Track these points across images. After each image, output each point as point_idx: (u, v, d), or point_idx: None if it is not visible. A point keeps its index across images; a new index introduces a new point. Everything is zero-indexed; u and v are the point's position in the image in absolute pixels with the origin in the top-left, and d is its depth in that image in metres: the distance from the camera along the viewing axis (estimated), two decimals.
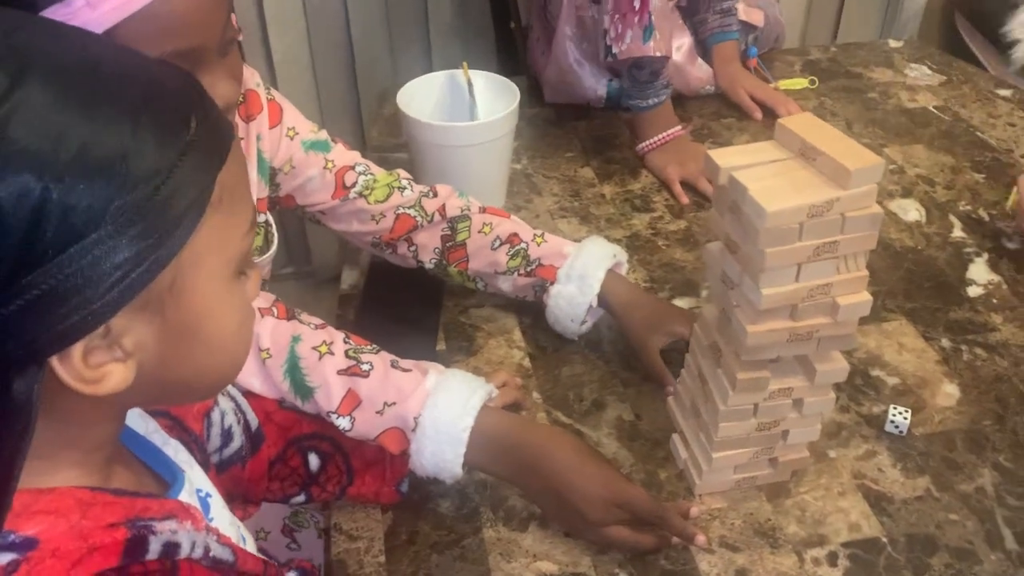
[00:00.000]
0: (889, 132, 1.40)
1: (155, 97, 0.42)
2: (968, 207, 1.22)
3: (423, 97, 1.19)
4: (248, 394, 0.75)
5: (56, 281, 0.37)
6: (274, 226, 0.93)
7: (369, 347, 0.80)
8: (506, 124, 1.12)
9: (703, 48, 1.47)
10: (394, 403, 0.76)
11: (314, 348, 0.78)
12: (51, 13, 0.58)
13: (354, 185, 0.96)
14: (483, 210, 1.00)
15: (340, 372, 0.77)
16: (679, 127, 1.30)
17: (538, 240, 0.98)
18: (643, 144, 1.30)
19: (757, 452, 0.80)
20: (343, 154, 0.97)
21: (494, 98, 1.19)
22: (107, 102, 0.40)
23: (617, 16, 1.18)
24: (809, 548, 0.77)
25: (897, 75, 1.58)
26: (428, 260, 1.00)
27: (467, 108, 1.19)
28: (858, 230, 0.67)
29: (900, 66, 1.62)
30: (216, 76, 0.68)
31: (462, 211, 0.98)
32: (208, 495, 0.58)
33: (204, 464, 0.62)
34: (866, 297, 0.71)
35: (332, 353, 0.78)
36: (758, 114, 1.43)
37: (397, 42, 1.90)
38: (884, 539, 0.77)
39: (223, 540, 0.51)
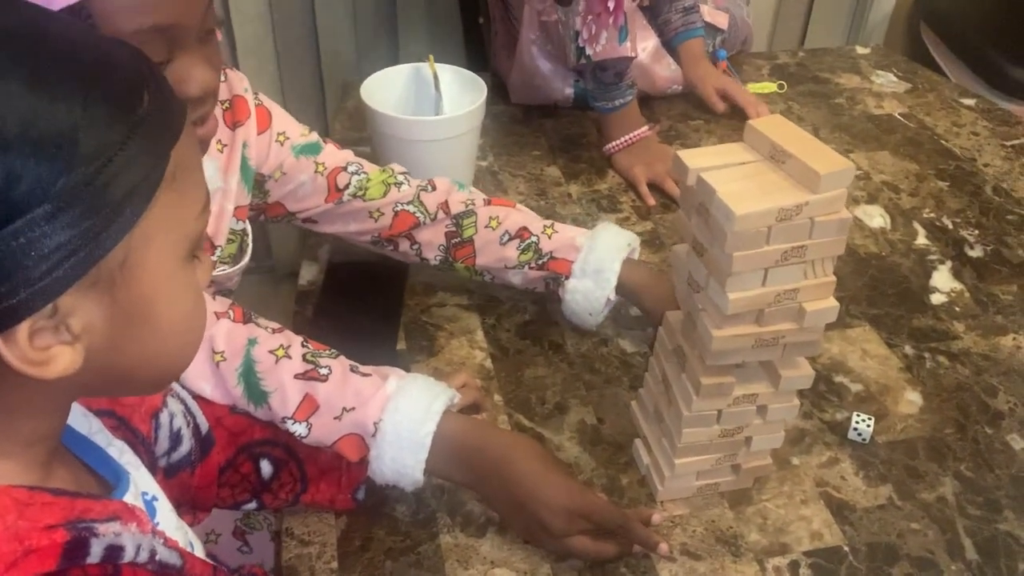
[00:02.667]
0: (855, 138, 1.40)
1: (106, 71, 0.41)
2: (932, 215, 1.22)
3: (387, 90, 1.16)
4: (198, 398, 0.72)
5: (0, 256, 0.36)
6: (250, 236, 0.90)
7: (328, 351, 0.78)
8: (472, 119, 1.10)
9: (669, 48, 1.46)
10: (353, 408, 0.73)
11: (271, 352, 0.75)
12: None
13: (347, 187, 0.94)
14: (488, 202, 0.98)
15: (297, 376, 0.74)
16: (645, 128, 1.29)
17: (548, 232, 0.96)
18: (610, 145, 1.29)
19: (720, 459, 0.79)
20: (334, 155, 0.94)
21: (460, 93, 1.17)
22: (56, 75, 0.38)
23: (590, 17, 1.16)
24: (771, 557, 0.76)
25: (864, 81, 1.59)
26: (433, 257, 0.98)
27: (432, 102, 1.17)
28: (826, 235, 0.66)
29: (867, 72, 1.62)
30: (194, 60, 0.66)
31: (466, 206, 0.96)
32: (154, 498, 0.55)
33: (151, 466, 0.60)
34: (833, 303, 0.70)
35: (289, 357, 0.75)
36: (720, 107, 1.42)
37: (363, 34, 1.87)
38: (846, 548, 0.77)
39: (170, 544, 0.49)
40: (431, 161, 1.09)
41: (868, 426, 0.86)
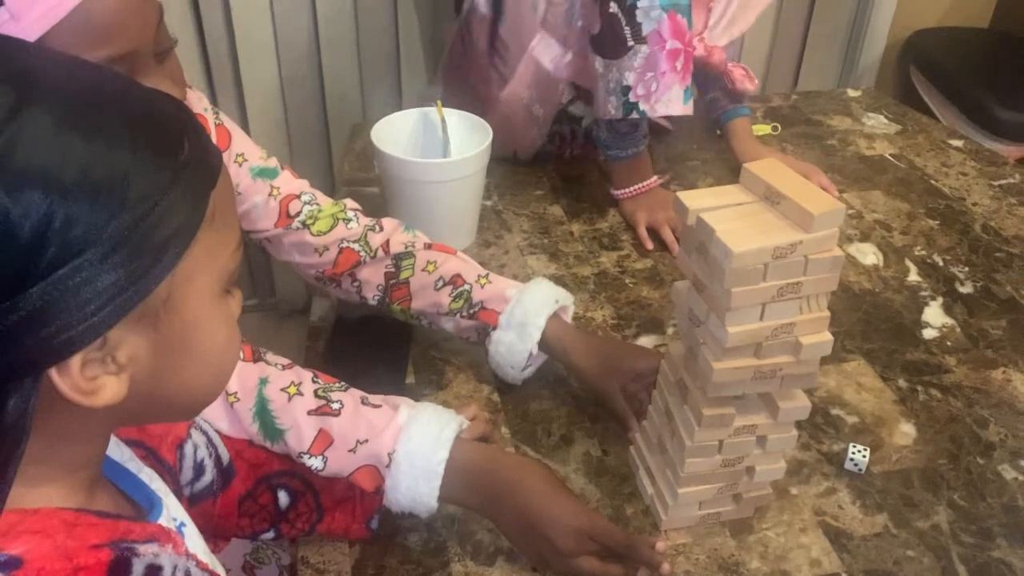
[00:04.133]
0: (848, 178, 1.45)
1: (151, 119, 0.44)
2: (923, 252, 1.26)
3: (396, 133, 1.20)
4: (219, 431, 0.75)
5: (57, 293, 0.39)
6: None
7: (338, 385, 0.80)
8: (478, 161, 1.14)
9: (717, 125, 1.49)
10: (366, 440, 0.76)
11: (283, 390, 0.77)
12: None
13: (298, 214, 0.96)
14: (428, 246, 0.99)
15: (311, 412, 0.76)
16: (655, 178, 1.31)
17: (482, 281, 0.96)
18: (618, 192, 1.32)
19: (721, 488, 0.82)
20: (290, 182, 0.97)
21: (466, 136, 1.21)
22: (108, 124, 0.41)
23: (650, 75, 1.16)
24: None
25: (855, 123, 1.64)
26: (371, 297, 0.99)
27: (440, 145, 1.21)
28: (820, 272, 0.70)
29: (858, 115, 1.67)
30: (156, 80, 0.68)
31: (406, 247, 0.98)
32: (183, 524, 0.58)
33: (177, 494, 0.62)
34: (827, 337, 0.73)
35: (301, 394, 0.77)
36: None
37: (367, 76, 1.92)
38: (844, 575, 0.79)
39: (202, 566, 0.51)
40: (439, 201, 1.13)
41: (864, 457, 0.89)
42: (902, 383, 1.02)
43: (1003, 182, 1.45)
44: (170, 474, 0.64)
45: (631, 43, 1.15)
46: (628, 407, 0.91)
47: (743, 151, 1.45)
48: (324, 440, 0.75)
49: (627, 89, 1.18)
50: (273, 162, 0.97)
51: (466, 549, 0.81)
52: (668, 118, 1.53)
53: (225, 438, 0.75)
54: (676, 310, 0.79)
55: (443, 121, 1.20)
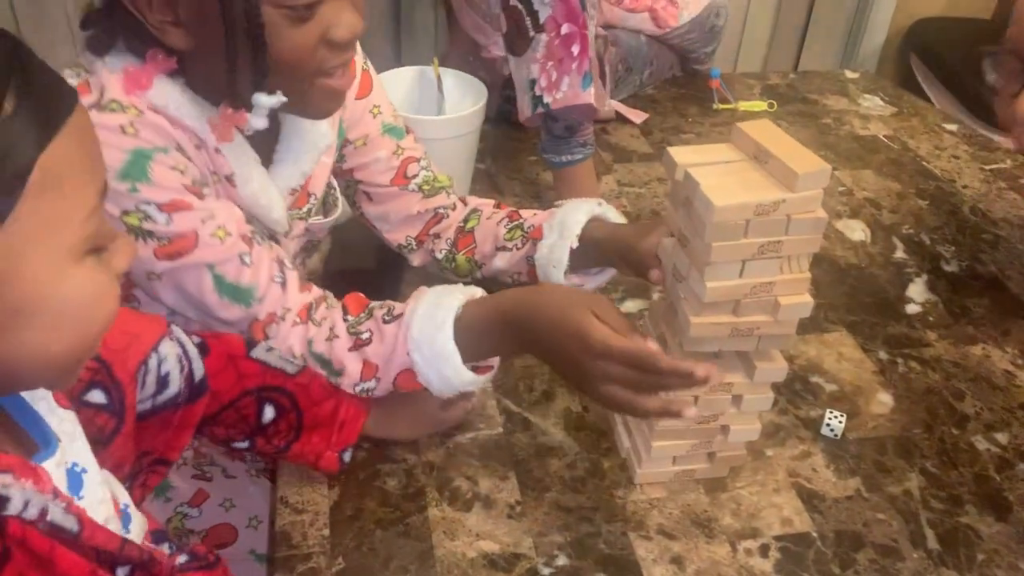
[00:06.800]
0: (841, 156, 1.45)
1: None
2: (911, 231, 1.27)
3: (393, 90, 1.20)
4: (213, 337, 0.76)
5: None
6: (337, 190, 0.95)
7: (364, 313, 0.83)
8: (473, 120, 1.14)
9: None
10: (392, 351, 0.79)
11: (325, 340, 0.81)
12: None
13: (415, 177, 0.99)
14: (498, 206, 1.03)
15: (350, 349, 0.80)
16: (598, 201, 1.12)
17: (536, 213, 1.00)
18: (558, 203, 1.18)
19: (695, 445, 0.83)
20: (413, 145, 0.99)
21: (462, 96, 1.21)
22: None
23: (551, 63, 1.10)
24: (742, 539, 0.79)
25: (851, 104, 1.64)
26: (439, 250, 1.03)
27: (435, 104, 1.21)
28: (802, 232, 0.70)
29: (854, 96, 1.68)
30: (344, 5, 0.70)
31: (479, 207, 1.02)
32: (83, 470, 0.56)
33: (120, 415, 0.63)
34: (807, 299, 0.74)
35: (337, 336, 0.81)
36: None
37: (367, 35, 1.91)
38: (814, 534, 0.80)
39: (72, 509, 0.49)
40: (433, 159, 1.13)
41: (840, 422, 0.90)
42: (882, 355, 1.03)
43: (994, 167, 1.46)
44: (117, 391, 0.64)
45: (532, 33, 1.09)
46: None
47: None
48: (369, 368, 0.80)
49: (533, 83, 1.12)
50: (401, 122, 0.99)
51: (444, 495, 0.82)
52: (636, 108, 1.53)
53: (218, 343, 0.75)
54: (663, 266, 0.80)
55: (439, 80, 1.20)
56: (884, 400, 0.96)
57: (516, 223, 0.99)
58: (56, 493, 0.49)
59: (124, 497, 0.61)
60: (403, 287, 1.09)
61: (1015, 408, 0.96)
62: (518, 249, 0.98)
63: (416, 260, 1.05)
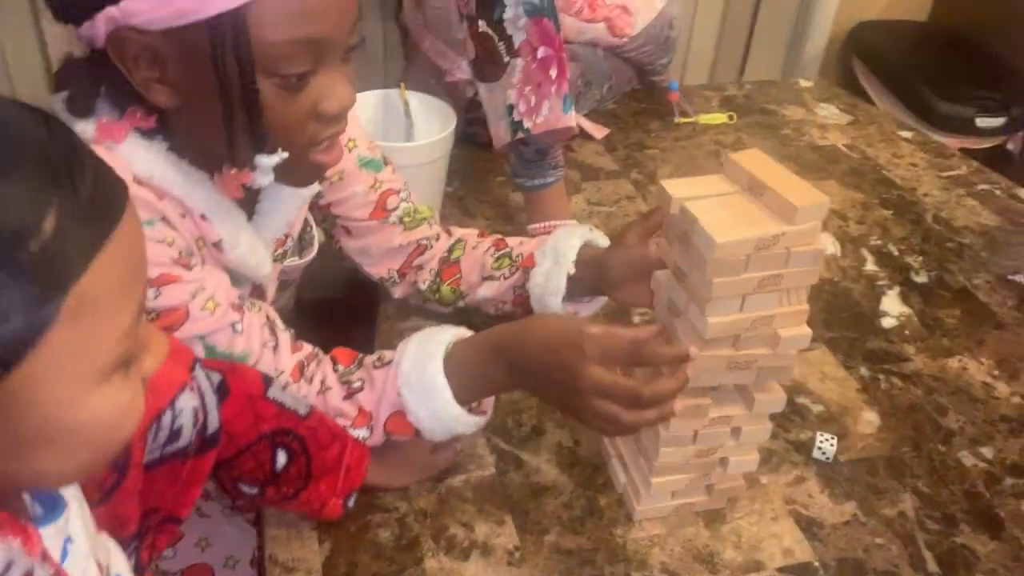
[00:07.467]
0: (804, 168, 1.46)
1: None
2: (879, 242, 1.28)
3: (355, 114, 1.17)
4: (232, 371, 0.71)
5: None
6: (314, 227, 0.92)
7: (354, 363, 0.82)
8: (444, 146, 1.12)
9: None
10: (382, 394, 0.78)
11: (317, 394, 0.79)
12: None
13: (395, 209, 0.96)
14: (481, 234, 1.02)
15: (344, 398, 0.79)
16: (571, 223, 1.16)
17: (521, 241, 0.99)
18: (531, 226, 1.18)
19: (694, 479, 0.81)
20: (391, 178, 0.96)
21: (427, 120, 1.18)
22: None
23: (528, 88, 1.08)
24: (746, 574, 0.78)
25: (808, 114, 1.66)
26: (422, 281, 1.01)
27: (402, 128, 1.18)
28: (801, 264, 0.70)
29: (811, 105, 1.69)
30: (336, 77, 0.68)
31: (462, 237, 1.01)
32: (68, 539, 0.52)
33: (123, 469, 0.60)
34: (806, 331, 0.73)
35: (330, 387, 0.79)
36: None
37: None
38: (816, 563, 0.80)
39: (60, 574, 0.46)
40: None
41: (832, 445, 0.90)
42: (864, 371, 1.03)
43: (950, 174, 1.48)
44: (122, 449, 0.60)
45: (507, 59, 1.07)
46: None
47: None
48: (363, 416, 0.79)
49: (511, 108, 1.09)
50: (379, 154, 0.96)
51: (440, 544, 0.79)
52: (598, 123, 1.53)
53: (238, 382, 0.71)
54: (656, 299, 0.78)
55: (406, 104, 1.17)
56: (870, 419, 0.97)
57: (503, 252, 0.97)
58: (45, 557, 0.46)
59: (119, 566, 0.57)
60: (379, 319, 1.05)
61: (996, 421, 0.97)
62: (505, 279, 0.96)
63: (398, 292, 1.03)
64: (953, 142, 2.10)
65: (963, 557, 0.81)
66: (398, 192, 0.96)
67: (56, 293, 0.37)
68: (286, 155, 0.70)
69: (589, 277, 0.91)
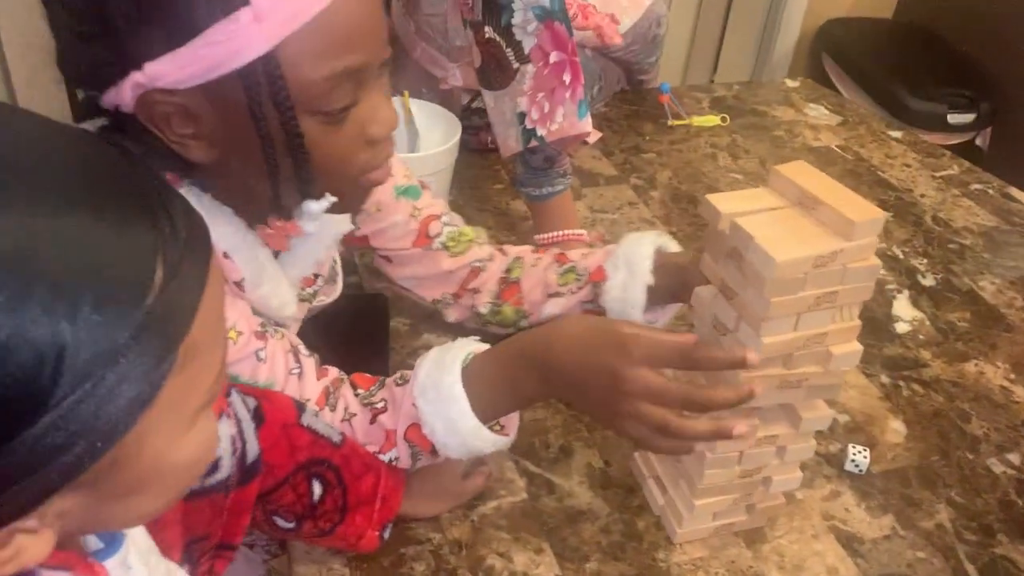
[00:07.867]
0: None
1: (104, 266, 0.33)
2: (883, 244, 1.28)
3: None
4: (266, 398, 0.68)
5: None
6: (338, 263, 0.88)
7: (376, 384, 0.79)
8: (449, 156, 1.08)
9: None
10: (399, 407, 0.74)
11: (342, 421, 0.76)
12: (216, 31, 0.54)
13: (438, 235, 0.92)
14: (536, 250, 0.98)
15: (371, 423, 0.76)
16: (580, 232, 1.12)
17: (584, 253, 0.94)
18: (538, 236, 1.14)
19: (737, 499, 0.79)
20: (431, 203, 0.93)
21: (430, 129, 1.15)
22: (40, 285, 0.32)
23: (541, 95, 1.04)
24: None
25: (799, 114, 1.65)
26: (482, 304, 0.96)
27: (405, 138, 1.14)
28: (857, 281, 0.68)
29: (800, 105, 1.69)
30: (378, 99, 0.64)
31: (518, 256, 0.96)
32: (129, 568, 0.50)
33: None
34: (857, 347, 0.71)
35: (355, 414, 0.76)
36: None
37: None
38: None
39: None
40: None
41: (865, 457, 0.89)
42: (884, 379, 1.02)
43: (944, 173, 1.49)
44: None
45: (516, 65, 1.03)
46: None
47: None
48: (390, 440, 0.75)
49: (522, 116, 1.05)
50: (415, 180, 0.92)
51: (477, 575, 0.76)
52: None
53: (273, 410, 0.68)
54: (696, 317, 0.76)
55: (409, 112, 1.13)
56: (897, 428, 0.96)
57: (567, 267, 0.93)
58: None
59: None
60: (391, 337, 1.02)
61: (1019, 426, 0.97)
62: (573, 294, 0.92)
63: (452, 316, 0.98)
64: (926, 138, 2.12)
65: (1005, 568, 0.81)
66: (440, 217, 0.93)
67: (172, 349, 0.35)
68: (334, 200, 0.66)
69: (667, 284, 0.87)
